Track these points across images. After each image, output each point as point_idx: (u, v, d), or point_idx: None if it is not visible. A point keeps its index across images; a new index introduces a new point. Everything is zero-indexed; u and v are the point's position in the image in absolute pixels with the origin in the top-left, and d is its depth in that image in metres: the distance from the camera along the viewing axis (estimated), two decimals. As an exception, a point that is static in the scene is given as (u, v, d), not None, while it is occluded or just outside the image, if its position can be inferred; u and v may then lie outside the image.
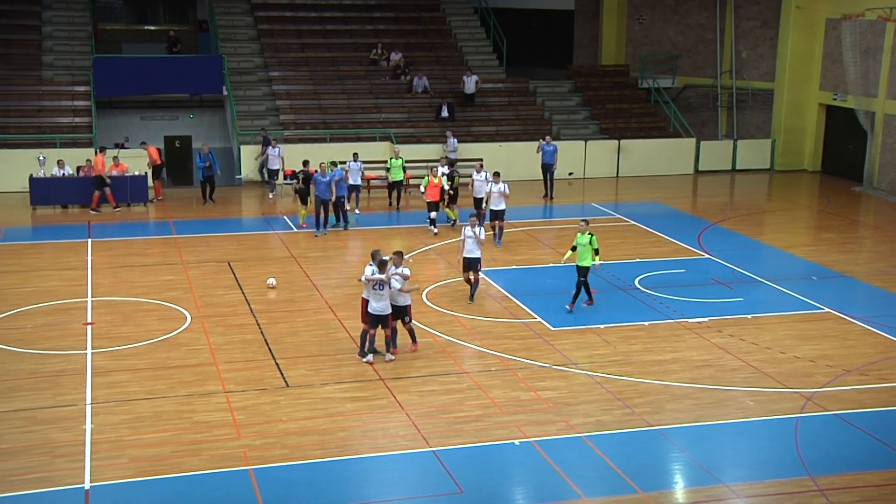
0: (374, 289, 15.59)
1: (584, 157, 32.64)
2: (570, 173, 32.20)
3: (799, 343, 17.16)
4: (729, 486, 12.19)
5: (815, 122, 34.18)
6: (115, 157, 27.65)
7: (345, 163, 26.92)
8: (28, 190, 26.97)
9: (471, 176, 24.47)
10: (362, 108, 33.05)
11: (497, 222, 23.01)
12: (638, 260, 22.43)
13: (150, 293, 19.48)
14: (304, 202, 25.23)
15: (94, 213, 26.45)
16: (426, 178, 24.67)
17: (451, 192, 24.90)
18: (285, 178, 29.03)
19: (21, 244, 23.57)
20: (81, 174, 27.41)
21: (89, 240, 23.68)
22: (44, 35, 33.96)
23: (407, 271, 15.89)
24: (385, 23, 37.06)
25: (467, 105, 33.57)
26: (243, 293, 19.59)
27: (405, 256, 16.60)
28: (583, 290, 18.53)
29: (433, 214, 24.41)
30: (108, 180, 26.69)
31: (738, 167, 34.44)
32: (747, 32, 35.83)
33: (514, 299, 19.35)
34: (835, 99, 32.98)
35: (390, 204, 27.57)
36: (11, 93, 31.39)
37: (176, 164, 30.68)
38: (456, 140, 30.69)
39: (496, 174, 23.03)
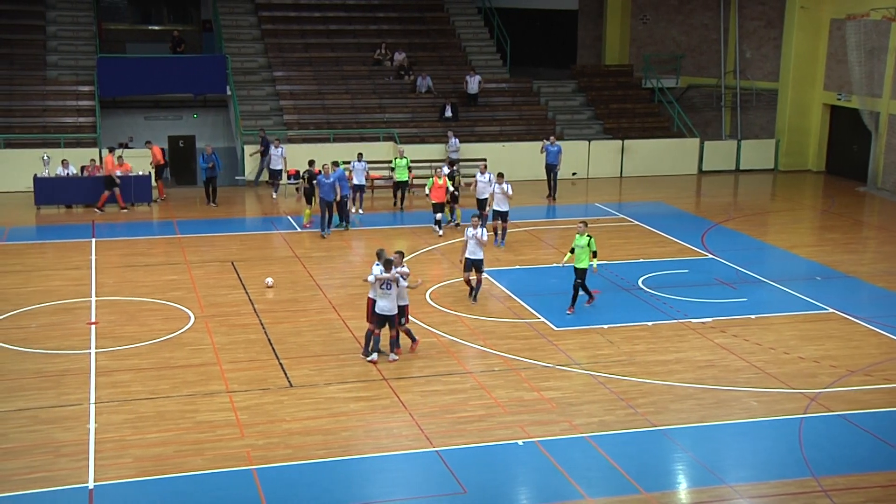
0: (381, 288, 15.60)
1: (587, 157, 32.62)
2: (574, 173, 32.18)
3: (803, 343, 17.14)
4: (732, 487, 12.17)
5: (820, 122, 34.14)
6: (119, 157, 27.67)
7: (349, 163, 26.96)
8: (32, 190, 27.02)
9: (474, 176, 24.44)
10: (366, 108, 33.06)
11: (500, 223, 22.93)
12: (641, 260, 22.41)
13: (153, 293, 19.50)
14: (310, 202, 25.26)
15: (99, 212, 26.48)
16: (431, 179, 24.65)
17: (455, 191, 24.88)
18: (289, 177, 29.06)
19: (25, 244, 23.60)
20: (86, 174, 27.46)
21: (93, 239, 23.70)
22: (48, 35, 34.01)
23: (406, 269, 15.91)
24: (389, 23, 37.07)
25: (471, 105, 33.57)
26: (247, 293, 19.60)
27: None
28: (586, 290, 18.49)
29: (439, 216, 24.39)
30: (117, 180, 26.74)
31: (741, 167, 34.41)
32: (751, 32, 35.78)
33: (518, 299, 19.34)
34: (839, 99, 32.93)
35: (395, 204, 27.57)
36: (16, 92, 31.46)
37: (180, 163, 30.73)
38: (457, 140, 30.68)
39: (500, 175, 22.97)
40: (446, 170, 25.08)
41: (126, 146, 29.24)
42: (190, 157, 30.69)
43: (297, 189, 29.11)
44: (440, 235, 24.25)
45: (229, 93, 32.23)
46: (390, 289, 15.61)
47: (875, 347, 17.04)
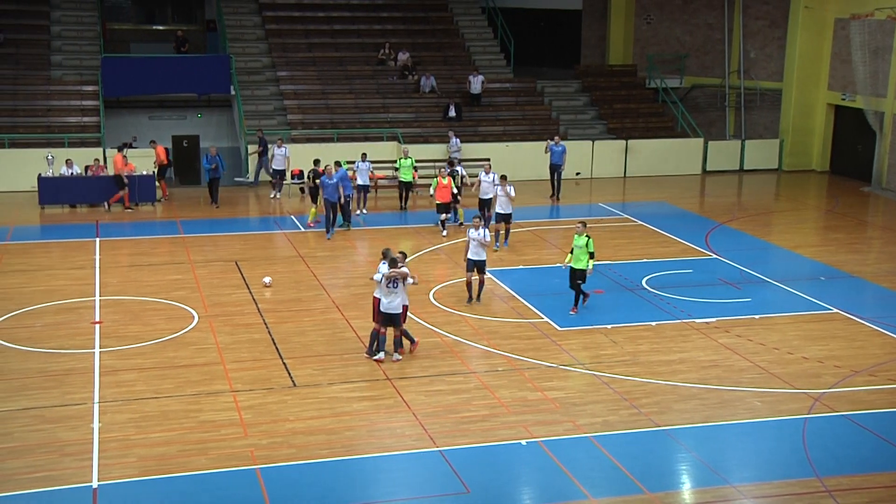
0: (387, 287, 15.62)
1: (591, 157, 32.61)
2: (578, 173, 32.17)
3: (807, 344, 17.12)
4: (736, 487, 12.16)
5: (824, 122, 34.10)
6: (124, 157, 27.68)
7: (352, 163, 26.97)
8: (37, 189, 27.06)
9: (478, 176, 24.41)
10: (370, 108, 33.07)
11: (503, 225, 22.81)
12: (645, 260, 22.39)
13: (157, 292, 19.52)
14: (315, 201, 25.27)
15: (106, 210, 26.58)
16: (435, 179, 24.64)
17: (457, 193, 24.86)
18: (292, 177, 29.07)
19: (29, 243, 23.64)
20: (89, 174, 27.50)
21: (97, 239, 23.74)
22: (52, 35, 34.07)
23: (406, 269, 15.91)
24: (393, 22, 37.09)
25: (474, 105, 33.57)
26: (250, 293, 19.61)
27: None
28: (579, 290, 18.43)
29: (443, 216, 24.38)
30: (126, 180, 26.79)
31: (745, 167, 34.39)
32: (755, 32, 35.75)
33: (521, 299, 19.33)
34: (843, 99, 32.89)
35: (402, 207, 27.32)
36: (20, 92, 31.51)
37: (184, 163, 30.77)
38: (458, 140, 30.68)
39: (503, 177, 22.82)
40: (451, 169, 25.08)
41: (130, 146, 29.29)
42: (194, 157, 30.73)
43: (300, 189, 29.15)
44: (444, 236, 24.25)
45: (233, 92, 32.26)
46: (397, 287, 15.62)
47: (879, 348, 17.02)
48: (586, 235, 18.08)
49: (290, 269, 21.31)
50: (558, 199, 28.98)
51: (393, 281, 15.57)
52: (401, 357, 16.00)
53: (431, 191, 24.72)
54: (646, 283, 20.50)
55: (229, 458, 12.62)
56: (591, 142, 32.82)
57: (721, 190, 31.70)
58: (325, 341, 16.96)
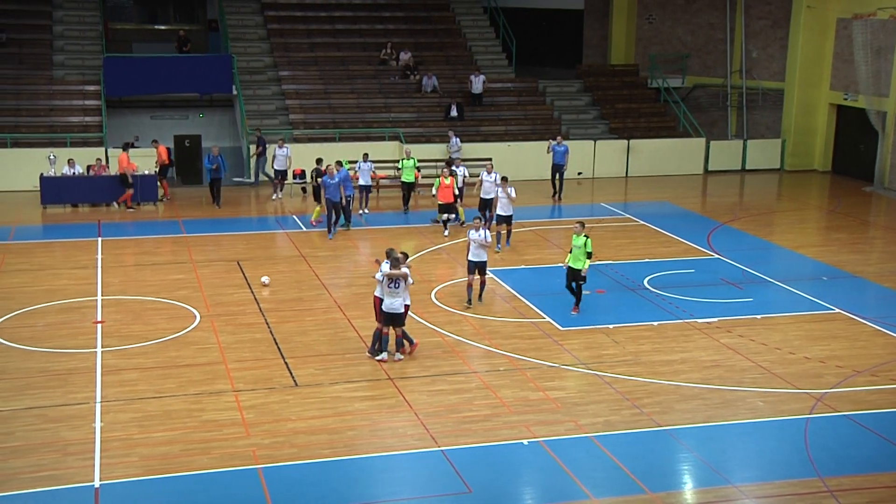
0: (388, 286, 15.62)
1: (593, 156, 32.61)
2: (580, 173, 32.17)
3: (809, 344, 17.12)
4: (738, 487, 12.16)
5: (826, 121, 34.08)
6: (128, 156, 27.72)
7: (354, 162, 26.97)
8: (39, 189, 27.09)
9: (479, 176, 24.40)
10: (372, 108, 33.08)
11: (504, 226, 22.72)
12: (647, 260, 22.39)
13: (159, 292, 19.53)
14: (318, 199, 25.29)
15: (117, 207, 26.76)
16: (437, 179, 24.63)
17: (457, 194, 24.84)
18: (294, 177, 29.08)
19: (32, 243, 23.66)
20: (92, 173, 27.52)
21: (99, 238, 23.76)
22: (55, 35, 34.10)
23: (406, 270, 15.92)
24: (395, 22, 37.10)
25: (476, 105, 33.57)
26: (252, 292, 19.62)
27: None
28: (573, 291, 18.40)
29: (445, 216, 24.37)
30: (130, 180, 26.82)
31: (747, 167, 34.37)
32: (758, 32, 35.73)
33: (523, 299, 19.34)
34: (846, 99, 32.87)
35: (405, 209, 27.18)
36: (23, 92, 31.54)
37: (186, 163, 30.80)
38: (459, 139, 30.68)
39: (504, 179, 22.73)
40: (454, 169, 25.07)
41: (132, 146, 29.32)
42: (196, 157, 30.77)
43: (302, 189, 29.15)
44: (446, 235, 24.25)
45: (235, 92, 32.27)
46: (398, 286, 15.62)
47: (881, 348, 17.01)
48: (585, 235, 18.05)
49: (292, 269, 21.33)
50: (560, 198, 28.97)
51: (394, 281, 15.58)
52: (403, 357, 16.00)
53: (434, 191, 24.72)
54: (648, 282, 20.50)
55: (231, 458, 12.63)
56: (592, 142, 32.82)
57: (723, 190, 31.69)
58: (327, 341, 16.97)
